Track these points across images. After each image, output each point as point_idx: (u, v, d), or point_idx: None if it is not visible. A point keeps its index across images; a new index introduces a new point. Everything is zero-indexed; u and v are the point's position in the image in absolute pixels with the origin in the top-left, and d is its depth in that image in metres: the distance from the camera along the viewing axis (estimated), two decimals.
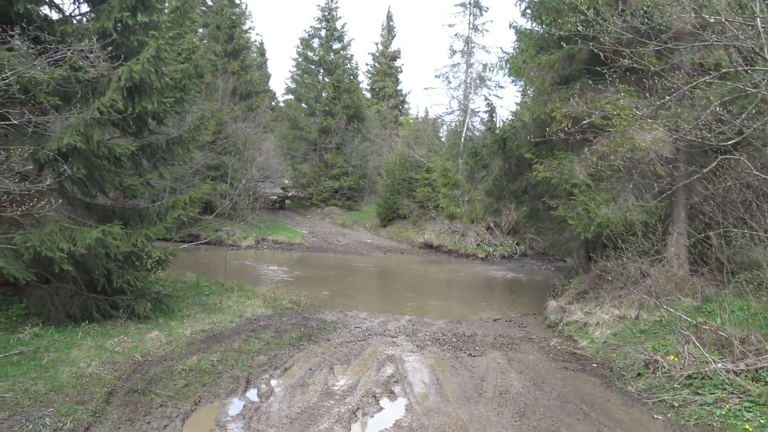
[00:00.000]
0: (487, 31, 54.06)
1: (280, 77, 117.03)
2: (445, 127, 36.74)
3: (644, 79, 10.42)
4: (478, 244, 28.18)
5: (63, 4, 9.90)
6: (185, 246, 23.34)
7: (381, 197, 34.00)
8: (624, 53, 9.69)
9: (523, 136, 15.46)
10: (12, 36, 7.51)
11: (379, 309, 14.28)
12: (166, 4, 9.93)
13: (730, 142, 9.09)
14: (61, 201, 9.95)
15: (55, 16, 9.24)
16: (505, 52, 17.35)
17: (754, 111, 8.75)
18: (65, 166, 7.99)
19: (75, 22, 9.51)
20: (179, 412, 6.50)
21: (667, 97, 9.76)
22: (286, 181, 40.53)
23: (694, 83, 9.40)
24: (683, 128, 9.61)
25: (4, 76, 6.81)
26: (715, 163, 9.91)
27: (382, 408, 7.18)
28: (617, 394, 8.15)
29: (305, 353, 9.36)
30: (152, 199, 12.51)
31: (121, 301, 9.42)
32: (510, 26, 16.48)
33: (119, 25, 9.33)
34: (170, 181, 22.01)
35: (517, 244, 29.08)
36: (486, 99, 19.27)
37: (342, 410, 6.90)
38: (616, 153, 11.57)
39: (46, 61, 7.84)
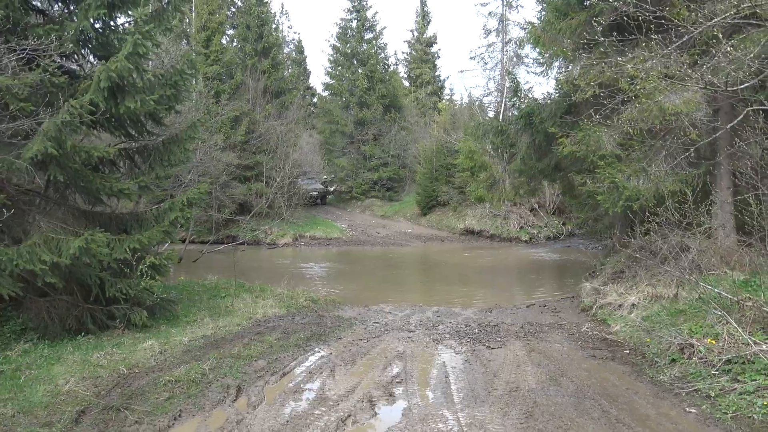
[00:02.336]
0: (522, 6, 52.37)
1: (321, 74, 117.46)
2: (483, 109, 35.61)
3: (675, 37, 9.36)
4: (521, 227, 27.16)
5: (40, 4, 9.55)
6: (222, 248, 23.41)
7: (420, 186, 33.26)
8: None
9: (549, 109, 14.52)
10: None
11: (409, 301, 13.65)
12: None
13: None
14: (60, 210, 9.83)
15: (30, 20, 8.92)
16: (529, 23, 16.31)
17: None
18: (36, 175, 7.69)
19: (51, 23, 9.16)
20: (154, 429, 6.04)
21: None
22: (326, 177, 40.25)
23: (710, 24, 8.23)
24: (722, 83, 8.54)
25: None
26: (741, 116, 8.85)
27: (376, 414, 6.55)
28: (647, 385, 7.30)
29: (309, 355, 8.83)
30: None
31: (116, 310, 9.11)
32: None
33: (98, 24, 9.01)
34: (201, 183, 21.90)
35: (563, 224, 27.91)
36: (510, 73, 18.26)
37: (331, 419, 6.32)
38: (645, 120, 10.59)
39: (14, 64, 7.55)
